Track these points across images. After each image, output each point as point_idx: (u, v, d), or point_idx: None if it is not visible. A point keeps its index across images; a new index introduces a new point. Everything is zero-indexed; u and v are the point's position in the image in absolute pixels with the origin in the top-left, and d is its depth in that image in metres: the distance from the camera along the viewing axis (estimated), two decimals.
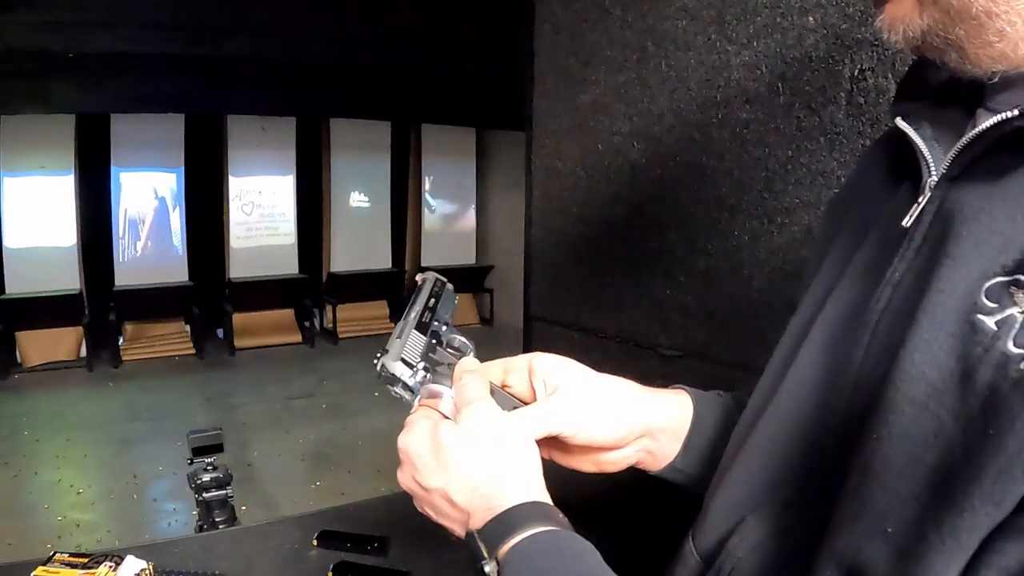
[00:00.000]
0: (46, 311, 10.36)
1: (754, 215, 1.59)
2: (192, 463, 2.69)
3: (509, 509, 0.75)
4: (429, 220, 13.98)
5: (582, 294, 2.08)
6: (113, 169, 11.12)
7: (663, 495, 1.07)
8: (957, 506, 0.54)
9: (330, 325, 12.52)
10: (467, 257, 14.22)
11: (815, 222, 1.48)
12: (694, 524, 0.88)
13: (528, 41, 2.25)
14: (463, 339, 1.00)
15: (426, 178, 13.88)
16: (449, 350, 0.98)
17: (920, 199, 0.70)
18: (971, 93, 0.73)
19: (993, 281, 0.59)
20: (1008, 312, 0.57)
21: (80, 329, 10.66)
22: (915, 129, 0.74)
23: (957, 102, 0.75)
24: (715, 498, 0.84)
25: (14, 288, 10.41)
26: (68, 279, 10.76)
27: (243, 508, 5.71)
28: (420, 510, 0.85)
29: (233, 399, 9.30)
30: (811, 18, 1.48)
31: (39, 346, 10.43)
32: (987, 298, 0.59)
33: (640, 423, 0.97)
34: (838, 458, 0.68)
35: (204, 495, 2.68)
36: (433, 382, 0.90)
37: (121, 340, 11.03)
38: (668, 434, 1.01)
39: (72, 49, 8.56)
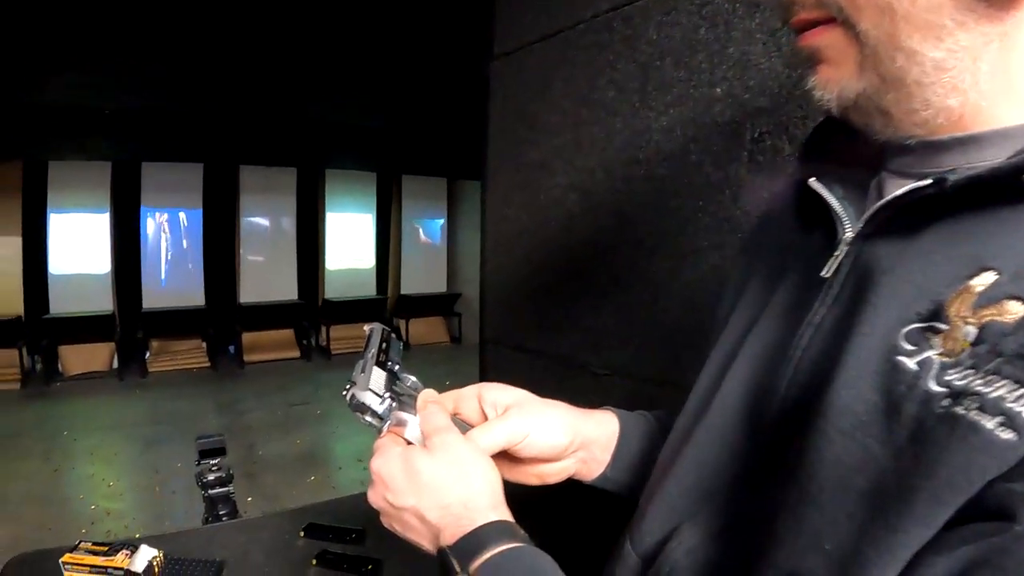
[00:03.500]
0: (84, 328, 10.35)
1: (669, 255, 1.56)
2: (199, 464, 2.64)
3: (479, 527, 0.71)
4: (407, 255, 14.00)
5: (528, 321, 2.04)
6: (142, 208, 11.15)
7: (592, 501, 1.05)
8: (890, 526, 0.52)
9: (324, 343, 12.45)
10: (439, 286, 14.23)
11: (720, 261, 1.46)
12: (630, 526, 0.84)
13: (484, 109, 2.22)
14: (413, 378, 0.96)
15: (405, 220, 13.87)
16: (406, 385, 0.93)
17: (837, 253, 0.68)
18: (872, 156, 0.72)
19: (911, 327, 0.57)
20: (926, 354, 0.55)
21: (112, 344, 10.70)
22: (828, 190, 0.72)
23: (860, 163, 0.73)
24: (651, 504, 0.81)
25: (57, 308, 10.49)
26: (103, 301, 10.86)
27: (248, 499, 5.65)
28: (388, 526, 0.80)
29: (242, 405, 9.22)
30: (718, 89, 1.47)
31: (77, 358, 10.42)
32: (906, 341, 0.57)
33: (577, 436, 0.95)
34: (765, 473, 0.67)
35: (209, 492, 2.63)
36: (398, 410, 0.86)
37: (147, 354, 11.00)
38: (599, 446, 0.99)
39: (108, 106, 8.60)
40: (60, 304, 10.51)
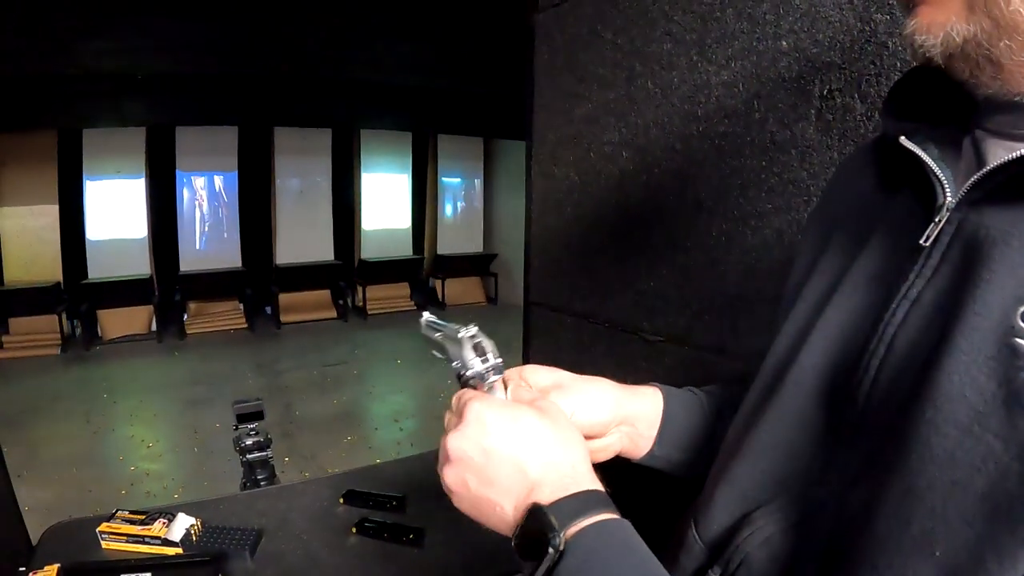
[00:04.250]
0: (122, 293, 10.58)
1: (730, 218, 1.49)
2: (237, 428, 2.64)
3: (583, 491, 0.65)
4: (443, 215, 14.03)
5: (574, 284, 1.99)
6: (178, 173, 11.26)
7: (653, 482, 1.01)
8: (1016, 535, 0.46)
9: (361, 303, 12.55)
10: (475, 246, 14.25)
11: (784, 226, 1.38)
12: (695, 510, 0.79)
13: (529, 61, 2.15)
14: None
15: (441, 180, 13.85)
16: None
17: (938, 219, 0.62)
18: (962, 112, 0.66)
19: None
20: None
21: (151, 308, 10.91)
22: (922, 149, 0.65)
23: (950, 121, 0.67)
24: (718, 489, 0.76)
25: (95, 274, 10.69)
26: (140, 266, 11.04)
27: (286, 459, 5.72)
28: (455, 479, 0.72)
29: (279, 366, 9.34)
30: (784, 43, 1.38)
31: (116, 322, 10.65)
32: (1023, 321, 0.51)
33: (620, 411, 0.93)
34: (855, 464, 0.62)
35: (247, 456, 2.63)
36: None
37: (185, 316, 11.22)
38: (644, 422, 0.96)
39: (142, 71, 8.65)
40: (98, 269, 10.71)
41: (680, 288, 1.63)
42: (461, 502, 0.73)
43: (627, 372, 1.81)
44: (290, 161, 12.03)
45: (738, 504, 0.72)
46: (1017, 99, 0.58)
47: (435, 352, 0.91)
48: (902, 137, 0.66)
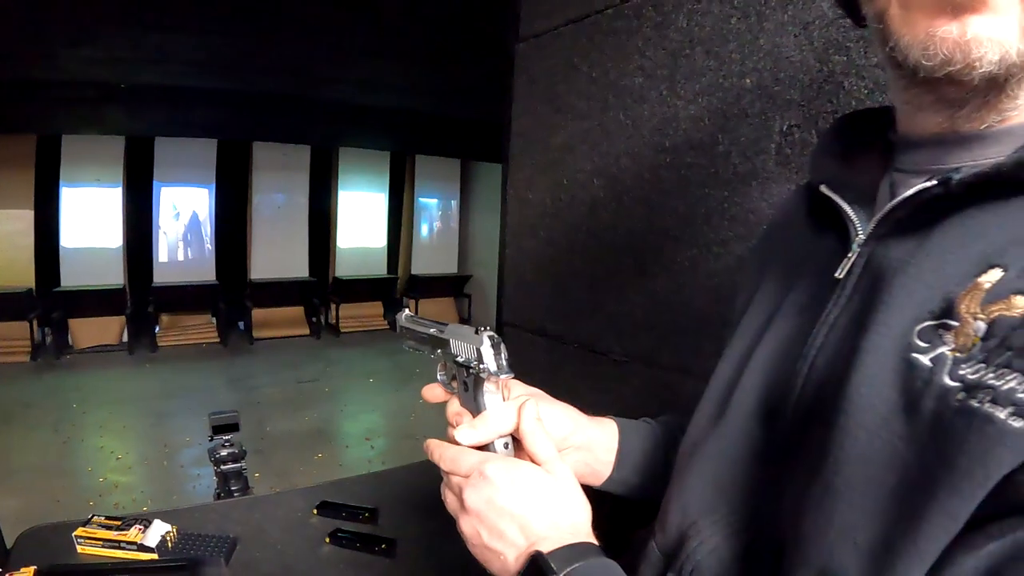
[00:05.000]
0: (95, 302, 10.50)
1: (694, 245, 1.57)
2: (212, 439, 2.67)
3: (580, 542, 0.74)
4: (419, 235, 14.07)
5: (547, 305, 2.05)
6: (155, 184, 11.23)
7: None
8: (918, 518, 0.53)
9: (334, 321, 12.54)
10: (450, 267, 14.28)
11: (745, 253, 1.46)
12: (655, 524, 0.86)
13: (508, 88, 2.23)
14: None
15: (418, 200, 13.91)
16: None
17: (850, 255, 0.70)
18: (882, 154, 0.74)
19: (924, 324, 0.59)
20: (939, 351, 0.57)
21: (123, 318, 10.82)
22: (838, 195, 0.74)
23: (871, 163, 0.75)
24: (671, 502, 0.83)
25: (68, 282, 10.57)
26: (114, 275, 10.96)
27: (257, 475, 5.71)
28: (470, 528, 0.80)
29: (251, 381, 9.30)
30: (748, 80, 1.47)
31: (88, 331, 10.56)
32: (920, 339, 0.59)
33: (577, 435, 0.99)
34: (785, 469, 0.68)
35: (222, 467, 2.66)
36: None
37: (157, 329, 11.15)
38: (602, 448, 1.03)
39: (124, 81, 8.65)
40: (71, 277, 10.61)
41: (648, 311, 1.70)
42: (472, 548, 0.80)
43: (597, 392, 1.87)
44: (268, 176, 12.05)
45: (689, 515, 0.78)
46: (954, 133, 0.65)
47: (414, 345, 1.01)
48: (822, 185, 0.76)
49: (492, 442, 0.87)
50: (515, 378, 0.95)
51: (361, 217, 13.30)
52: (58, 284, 10.51)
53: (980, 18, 0.57)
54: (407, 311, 1.06)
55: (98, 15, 6.17)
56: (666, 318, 1.66)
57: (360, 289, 12.77)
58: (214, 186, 11.71)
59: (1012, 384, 0.50)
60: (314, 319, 12.44)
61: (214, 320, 11.66)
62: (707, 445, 0.80)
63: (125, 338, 10.80)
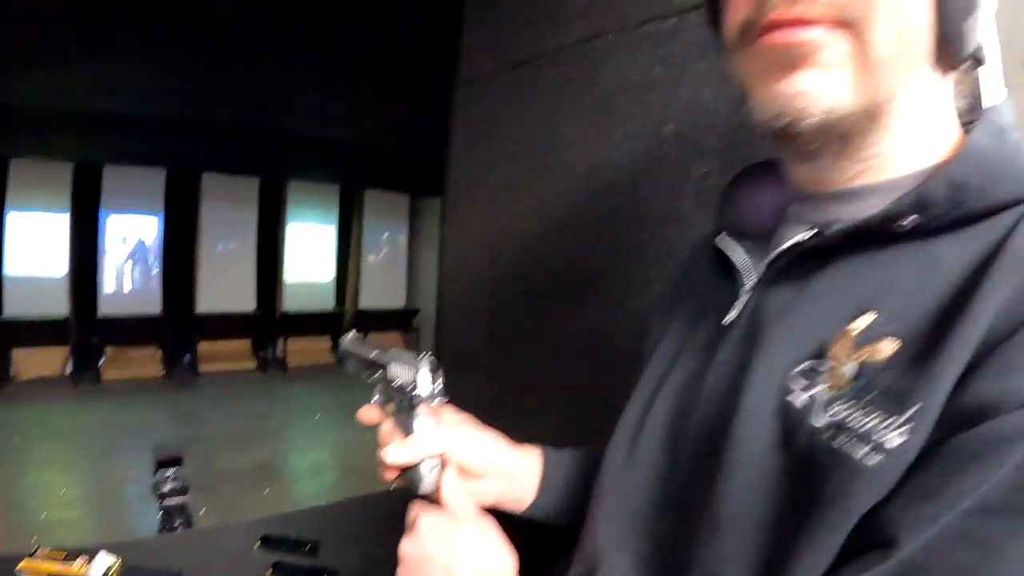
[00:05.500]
0: (38, 332, 10.26)
1: (618, 283, 1.64)
2: (156, 473, 2.67)
3: None
4: (367, 268, 14.00)
5: (484, 340, 2.10)
6: (102, 211, 10.99)
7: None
8: (790, 551, 0.59)
9: (282, 355, 12.38)
10: (399, 301, 14.23)
11: (666, 291, 1.54)
12: (573, 553, 0.91)
13: (448, 129, 2.29)
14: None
15: (366, 234, 13.92)
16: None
17: (738, 302, 0.76)
18: (775, 207, 0.80)
19: (800, 366, 0.64)
20: (813, 391, 0.62)
21: (67, 349, 10.55)
22: (733, 244, 0.81)
23: (768, 212, 0.82)
24: (585, 532, 0.88)
25: (11, 310, 10.26)
26: (58, 305, 10.65)
27: (203, 511, 5.61)
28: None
29: (197, 416, 9.12)
30: (669, 127, 1.55)
31: (31, 362, 10.26)
32: (796, 379, 0.64)
33: (501, 463, 1.04)
34: (683, 502, 0.73)
35: (165, 502, 2.65)
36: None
37: (102, 361, 10.82)
38: (526, 475, 1.07)
39: (75, 107, 8.55)
40: (13, 306, 10.27)
41: (577, 346, 1.76)
42: None
43: (531, 424, 1.90)
44: (216, 207, 11.89)
45: (600, 547, 0.83)
46: (825, 188, 0.72)
47: (356, 367, 1.08)
48: (718, 237, 0.83)
49: (420, 465, 0.93)
50: (449, 403, 1.01)
51: (310, 251, 13.22)
52: (0, 313, 10.22)
53: (808, 73, 0.63)
54: (353, 333, 1.14)
55: (49, 42, 6.16)
56: (594, 353, 1.72)
57: (308, 323, 12.67)
58: (162, 215, 11.55)
59: (873, 423, 0.56)
60: (261, 353, 12.28)
61: (160, 353, 11.41)
62: (619, 479, 0.85)
63: (69, 370, 10.52)
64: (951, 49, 0.66)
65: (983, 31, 0.69)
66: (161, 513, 2.70)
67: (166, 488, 2.67)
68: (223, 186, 11.78)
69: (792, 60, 0.64)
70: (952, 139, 0.70)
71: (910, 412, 0.55)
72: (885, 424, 0.56)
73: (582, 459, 1.12)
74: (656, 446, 0.81)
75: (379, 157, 11.40)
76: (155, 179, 11.28)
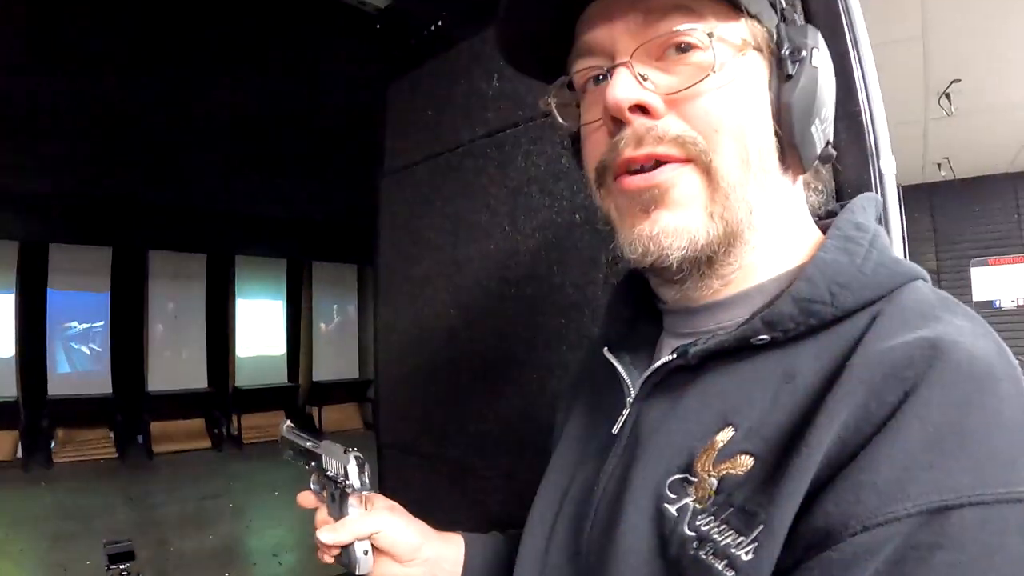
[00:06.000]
0: None
1: (539, 368, 1.69)
2: (108, 569, 2.63)
3: None
4: (319, 341, 13.93)
5: (419, 427, 2.13)
6: (49, 291, 10.76)
7: None
8: None
9: (236, 432, 12.12)
10: (352, 372, 14.14)
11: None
12: None
13: (374, 223, 2.36)
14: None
15: (316, 306, 13.88)
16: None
17: (624, 413, 0.80)
18: (656, 319, 0.85)
19: (673, 478, 0.68)
20: (684, 502, 0.66)
21: (17, 433, 10.12)
22: (617, 358, 0.85)
23: (649, 324, 0.86)
24: None
25: None
26: (6, 387, 10.28)
27: None
28: None
29: (152, 499, 8.82)
30: (577, 216, 1.62)
31: None
32: (669, 491, 0.68)
33: (426, 549, 1.06)
34: None
35: None
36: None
37: (53, 444, 10.41)
38: (448, 561, 1.09)
39: (19, 187, 8.58)
40: None
41: (504, 430, 1.80)
42: None
43: (466, 506, 1.94)
44: (164, 284, 11.76)
45: None
46: (694, 303, 0.77)
47: (294, 456, 1.14)
48: (604, 348, 0.87)
49: (353, 547, 0.98)
50: (378, 492, 1.06)
51: (260, 325, 13.09)
52: None
53: (665, 213, 0.70)
54: (288, 423, 1.20)
55: None
56: (520, 436, 1.76)
57: (261, 398, 12.42)
58: (109, 294, 11.34)
59: (728, 540, 0.60)
60: (215, 431, 12.01)
61: (112, 434, 11.05)
62: (541, 568, 0.87)
63: (19, 454, 10.14)
64: (798, 157, 0.73)
65: (828, 131, 0.76)
66: None
67: None
68: (170, 263, 11.71)
69: (648, 201, 0.70)
70: (809, 238, 0.76)
71: (755, 532, 0.58)
72: (737, 542, 0.59)
73: (505, 544, 1.14)
74: (562, 551, 0.84)
75: (324, 230, 11.45)
76: (102, 257, 11.13)
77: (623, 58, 0.70)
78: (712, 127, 0.67)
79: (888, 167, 1.12)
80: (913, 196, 6.82)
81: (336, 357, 14.05)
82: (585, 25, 0.75)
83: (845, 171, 1.14)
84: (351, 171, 7.63)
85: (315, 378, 13.61)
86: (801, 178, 0.78)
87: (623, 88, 0.68)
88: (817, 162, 0.77)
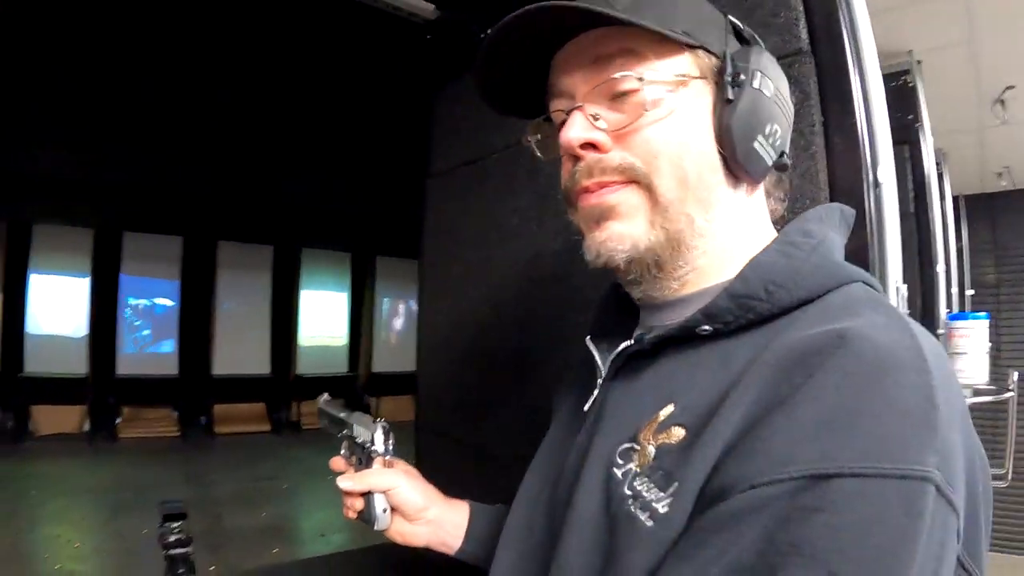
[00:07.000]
0: (57, 390, 10.31)
1: (559, 363, 1.79)
2: (162, 526, 2.79)
3: None
4: (380, 333, 14.13)
5: (451, 413, 2.26)
6: (122, 276, 11.22)
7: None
8: None
9: (295, 418, 12.40)
10: (410, 365, 14.02)
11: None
12: None
13: (421, 219, 2.50)
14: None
15: (378, 300, 14.10)
16: None
17: (594, 393, 0.92)
18: (636, 315, 0.95)
19: (622, 447, 0.79)
20: (627, 467, 0.77)
21: (85, 408, 10.59)
22: (596, 347, 0.95)
23: (629, 321, 0.97)
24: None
25: (31, 368, 10.37)
26: (77, 364, 10.77)
27: (211, 568, 5.67)
28: None
29: (210, 477, 9.09)
30: None
31: (49, 419, 10.27)
32: (619, 458, 0.78)
33: (430, 510, 1.20)
34: (545, 557, 0.87)
35: (170, 551, 2.76)
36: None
37: (118, 420, 10.83)
38: (450, 524, 1.23)
39: (93, 179, 9.13)
40: (34, 364, 10.40)
41: (526, 419, 1.90)
42: None
43: (487, 488, 2.04)
44: (232, 274, 12.09)
45: None
46: (657, 300, 0.87)
47: (329, 424, 1.33)
48: (588, 337, 0.99)
49: (374, 505, 1.13)
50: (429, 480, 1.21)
51: (323, 316, 13.37)
52: (22, 370, 10.32)
53: (612, 224, 0.81)
54: (325, 395, 1.40)
55: (68, 118, 6.64)
56: (540, 425, 1.86)
57: (322, 386, 12.45)
58: (179, 281, 11.73)
59: (652, 496, 0.71)
60: (275, 416, 12.29)
61: (175, 414, 11.41)
62: (519, 541, 0.99)
63: (86, 427, 10.58)
64: (745, 171, 0.81)
65: (779, 144, 0.84)
66: (166, 563, 2.80)
67: (171, 539, 2.78)
68: (238, 253, 12.06)
69: (600, 215, 0.82)
70: (765, 242, 0.84)
71: (671, 489, 0.68)
72: (657, 497, 0.70)
73: (506, 514, 1.26)
74: (544, 514, 0.95)
75: (388, 225, 11.60)
76: (173, 246, 11.54)
77: (578, 102, 0.83)
78: (652, 155, 0.78)
79: (886, 176, 1.17)
80: (973, 206, 6.44)
81: (396, 350, 14.17)
82: (554, 71, 0.87)
83: (839, 181, 1.21)
84: (412, 171, 7.84)
85: (375, 369, 13.82)
86: (761, 187, 0.88)
87: (575, 129, 0.81)
88: (777, 172, 0.87)
